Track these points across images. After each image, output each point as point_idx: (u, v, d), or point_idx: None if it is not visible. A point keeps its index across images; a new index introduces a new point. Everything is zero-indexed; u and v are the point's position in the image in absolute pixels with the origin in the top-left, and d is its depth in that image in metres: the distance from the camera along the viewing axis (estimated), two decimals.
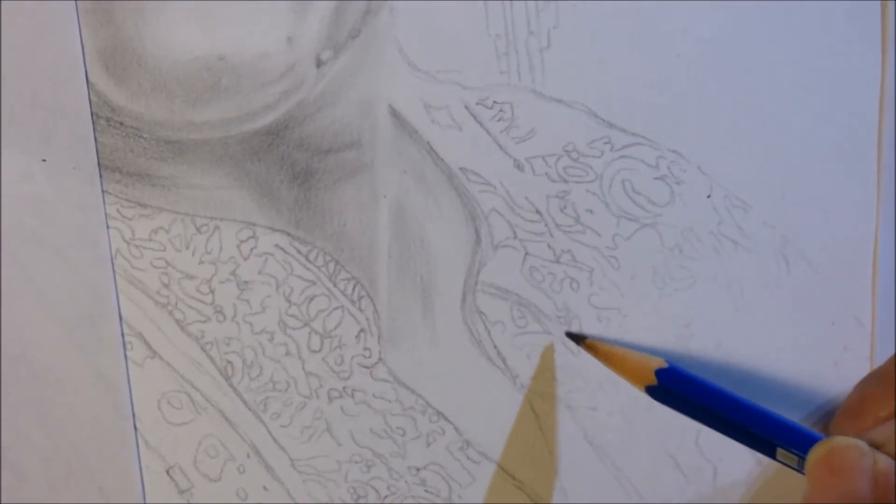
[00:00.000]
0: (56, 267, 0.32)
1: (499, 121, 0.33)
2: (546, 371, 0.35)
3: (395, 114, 0.33)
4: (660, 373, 0.32)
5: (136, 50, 0.31)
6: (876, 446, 0.29)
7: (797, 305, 0.35)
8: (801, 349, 0.35)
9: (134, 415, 0.34)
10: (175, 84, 0.32)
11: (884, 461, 0.28)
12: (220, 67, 0.32)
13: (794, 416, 0.36)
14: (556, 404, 0.35)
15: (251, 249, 0.33)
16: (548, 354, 0.34)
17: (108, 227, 0.32)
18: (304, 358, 0.34)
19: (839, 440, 0.29)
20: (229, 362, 0.34)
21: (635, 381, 0.33)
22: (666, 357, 0.33)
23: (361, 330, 0.34)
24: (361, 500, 0.35)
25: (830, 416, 0.36)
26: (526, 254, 0.34)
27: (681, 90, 0.33)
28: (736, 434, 0.31)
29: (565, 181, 0.34)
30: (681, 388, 0.32)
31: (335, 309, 0.34)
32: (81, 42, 0.31)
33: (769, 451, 0.31)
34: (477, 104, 0.33)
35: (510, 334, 0.34)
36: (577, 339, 0.34)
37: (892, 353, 0.36)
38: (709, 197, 0.34)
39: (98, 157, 0.32)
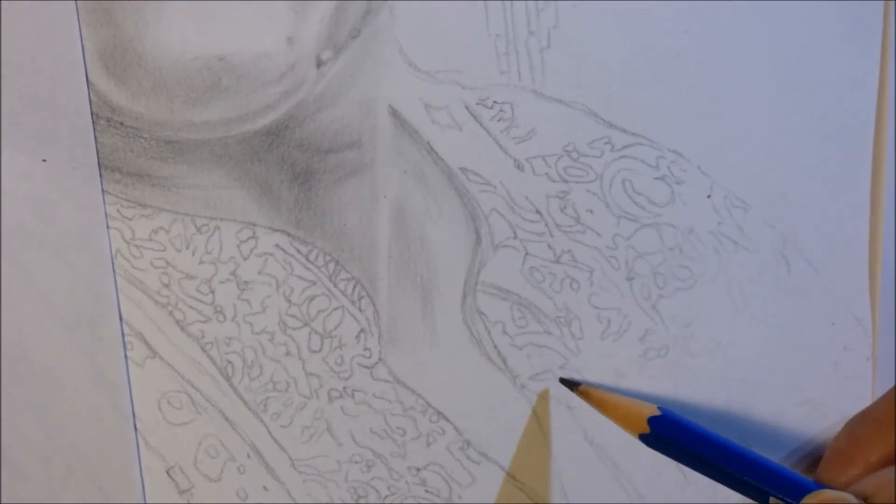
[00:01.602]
0: (56, 267, 0.32)
1: (499, 121, 0.33)
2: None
3: (395, 114, 0.33)
4: (652, 420, 0.32)
5: (136, 50, 0.31)
6: (864, 498, 0.29)
7: (797, 305, 0.35)
8: (801, 349, 0.35)
9: (134, 415, 0.34)
10: (175, 84, 0.32)
11: None
12: (220, 67, 0.32)
13: (791, 425, 0.36)
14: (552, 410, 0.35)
15: (251, 249, 0.33)
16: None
17: (108, 227, 0.32)
18: (304, 358, 0.34)
19: (828, 495, 0.29)
20: (229, 362, 0.34)
21: (629, 429, 0.33)
22: (659, 403, 0.33)
23: (361, 330, 0.34)
24: (361, 501, 0.35)
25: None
26: (526, 254, 0.34)
27: (681, 90, 0.33)
28: (728, 481, 0.31)
29: (565, 181, 0.34)
30: (674, 436, 0.32)
31: (335, 309, 0.34)
32: (81, 42, 0.31)
33: (762, 499, 0.30)
34: (477, 104, 0.33)
35: (510, 334, 0.34)
36: (571, 385, 0.34)
37: (893, 352, 0.36)
38: (709, 197, 0.34)
39: (98, 157, 0.32)
